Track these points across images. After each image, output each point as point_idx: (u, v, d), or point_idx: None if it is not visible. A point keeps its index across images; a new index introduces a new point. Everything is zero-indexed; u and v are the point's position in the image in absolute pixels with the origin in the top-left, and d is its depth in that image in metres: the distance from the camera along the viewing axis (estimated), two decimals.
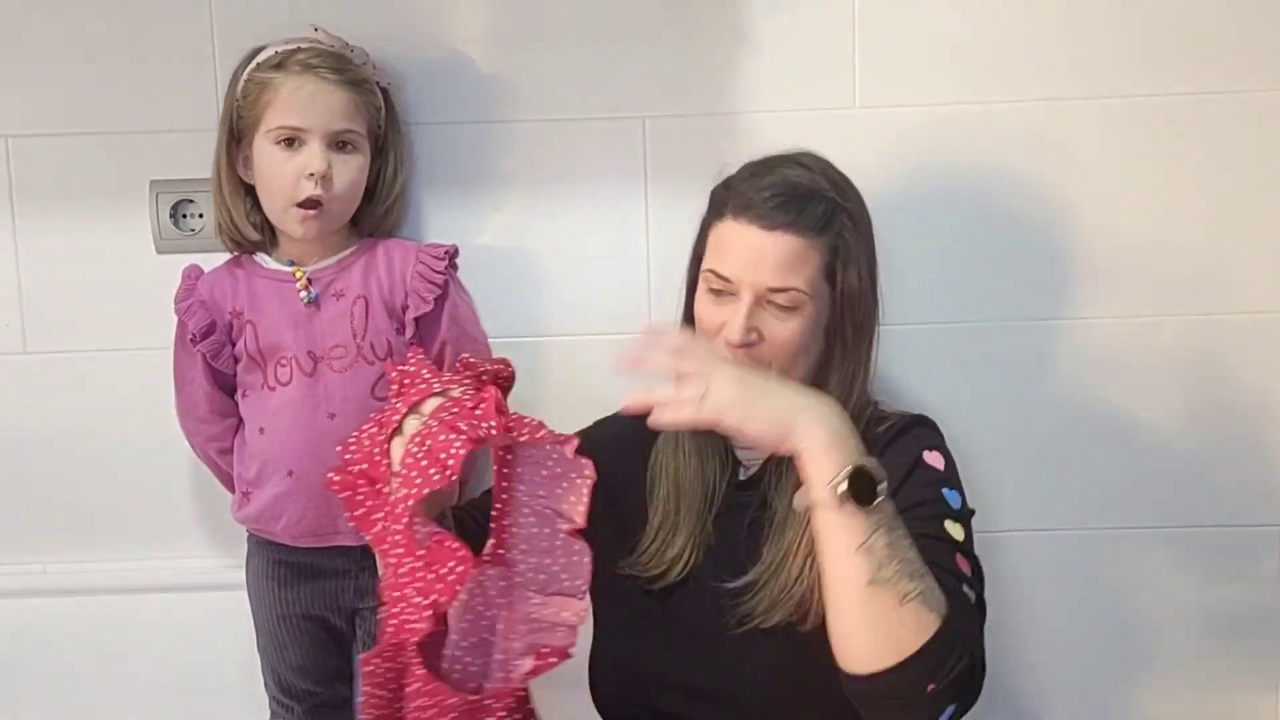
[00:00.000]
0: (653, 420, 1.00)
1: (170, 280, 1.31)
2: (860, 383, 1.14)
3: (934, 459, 1.12)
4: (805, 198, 1.08)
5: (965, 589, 1.03)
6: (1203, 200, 1.39)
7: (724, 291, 1.10)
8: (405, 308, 1.30)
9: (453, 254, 1.34)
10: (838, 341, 1.12)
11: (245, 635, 1.38)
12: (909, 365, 1.38)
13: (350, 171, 1.27)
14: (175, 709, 1.47)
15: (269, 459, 1.29)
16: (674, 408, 0.99)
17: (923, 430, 1.16)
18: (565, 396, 1.39)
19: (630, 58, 1.38)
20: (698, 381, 0.99)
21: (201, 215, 1.40)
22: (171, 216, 1.40)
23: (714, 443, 1.17)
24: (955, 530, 1.06)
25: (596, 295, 1.42)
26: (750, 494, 1.16)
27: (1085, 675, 1.45)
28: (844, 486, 0.95)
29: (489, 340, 1.39)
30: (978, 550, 1.10)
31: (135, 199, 1.40)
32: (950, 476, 1.12)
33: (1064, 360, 1.41)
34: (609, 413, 1.24)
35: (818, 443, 0.97)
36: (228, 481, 1.36)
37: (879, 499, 0.96)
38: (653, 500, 1.18)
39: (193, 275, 1.32)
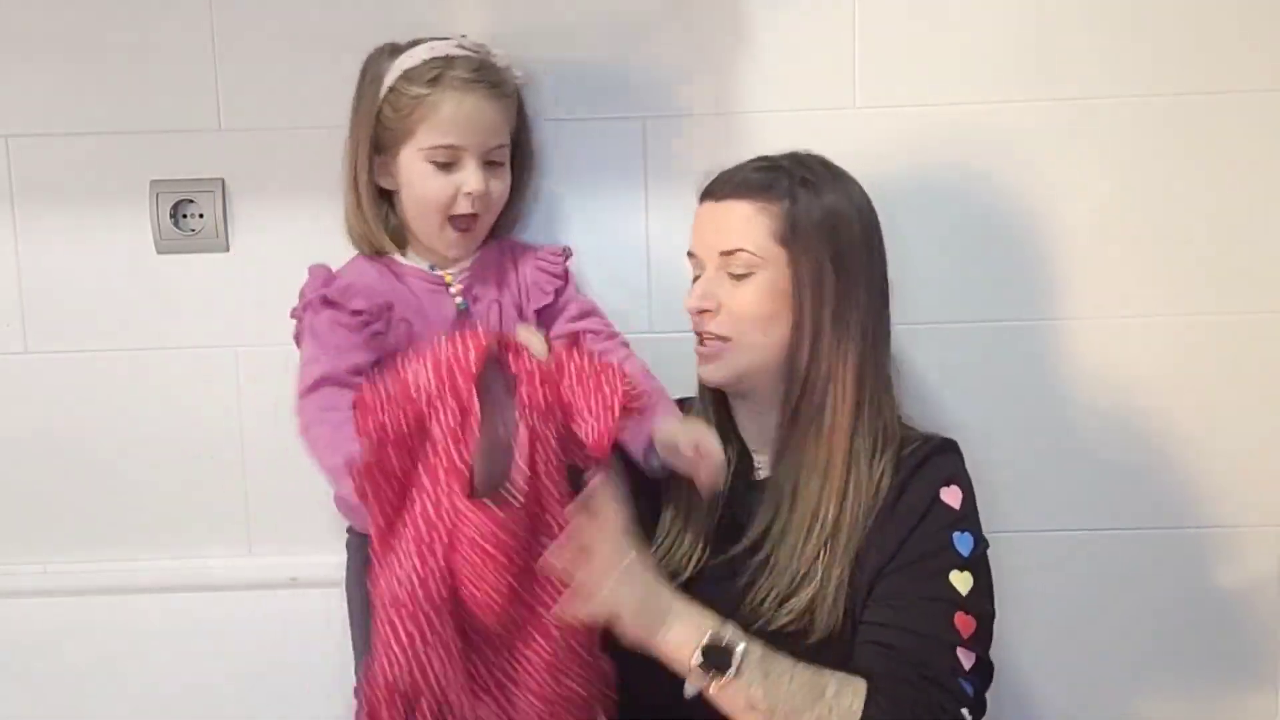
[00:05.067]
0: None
1: (170, 280, 1.31)
2: (870, 388, 1.12)
3: (951, 496, 1.09)
4: (758, 172, 1.13)
5: (958, 680, 1.03)
6: (1205, 200, 1.39)
7: (699, 274, 1.16)
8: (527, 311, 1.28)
9: (568, 254, 1.32)
10: (810, 321, 1.10)
11: (246, 635, 1.38)
12: (909, 365, 1.38)
13: (501, 185, 1.25)
14: (175, 709, 1.47)
15: None
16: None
17: (944, 459, 1.13)
18: None
19: (630, 58, 1.38)
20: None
21: (202, 215, 1.40)
22: (171, 216, 1.40)
23: (729, 441, 1.18)
24: (961, 582, 1.05)
25: (596, 295, 1.41)
26: (761, 495, 1.16)
27: (1085, 674, 1.45)
28: (700, 664, 0.98)
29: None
30: None
31: (135, 199, 1.40)
32: (965, 515, 1.09)
33: (1064, 360, 1.41)
34: None
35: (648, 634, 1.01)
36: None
37: (735, 656, 0.99)
38: (666, 496, 1.19)
39: (324, 269, 1.24)
